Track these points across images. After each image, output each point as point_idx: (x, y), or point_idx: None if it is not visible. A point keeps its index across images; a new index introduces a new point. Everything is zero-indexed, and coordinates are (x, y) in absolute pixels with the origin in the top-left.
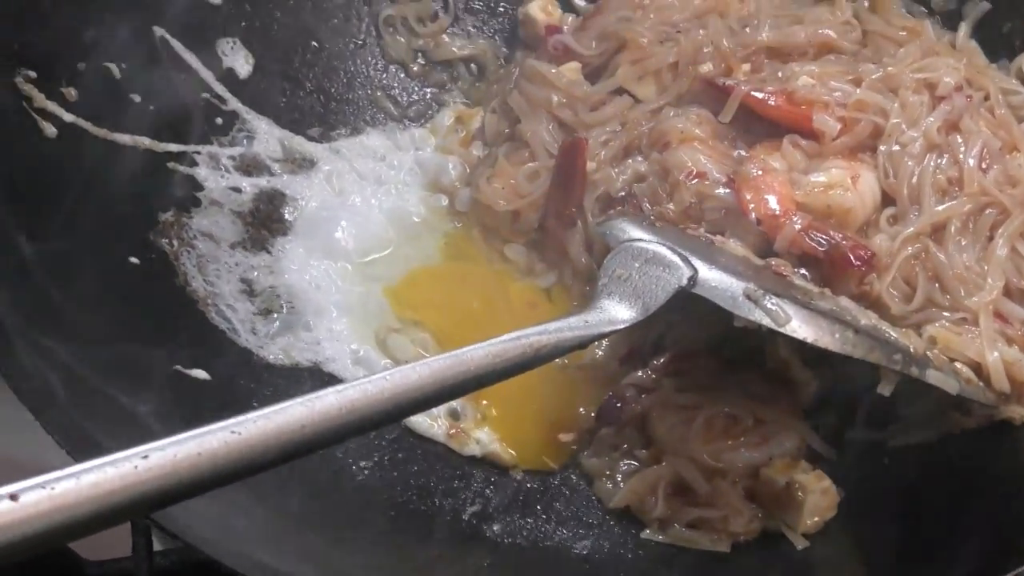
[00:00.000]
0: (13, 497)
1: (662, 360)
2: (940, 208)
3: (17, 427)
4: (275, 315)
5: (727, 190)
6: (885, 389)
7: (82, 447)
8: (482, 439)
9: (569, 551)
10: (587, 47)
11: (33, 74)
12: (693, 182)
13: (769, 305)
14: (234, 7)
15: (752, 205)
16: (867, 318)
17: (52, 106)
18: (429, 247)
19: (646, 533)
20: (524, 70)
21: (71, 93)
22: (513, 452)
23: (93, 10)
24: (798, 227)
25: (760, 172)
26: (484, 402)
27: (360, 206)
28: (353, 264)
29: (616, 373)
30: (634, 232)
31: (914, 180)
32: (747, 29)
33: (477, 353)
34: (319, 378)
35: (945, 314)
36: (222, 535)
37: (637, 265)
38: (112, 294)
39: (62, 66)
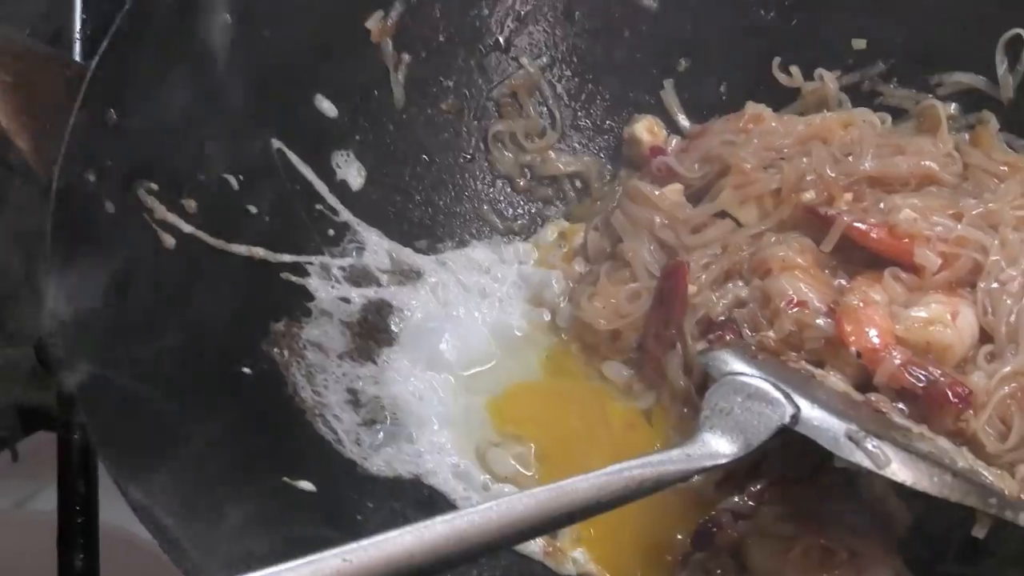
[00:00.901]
0: None
1: (759, 487)
2: None
3: None
4: (379, 426)
5: (828, 320)
6: (980, 532)
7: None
8: (578, 559)
9: None
10: (690, 169)
11: (155, 186)
12: (793, 310)
13: (870, 447)
14: (349, 120)
15: (852, 337)
16: (964, 460)
17: (172, 217)
18: (530, 362)
19: None
20: (627, 190)
21: (191, 204)
22: (608, 574)
23: (215, 123)
24: (898, 362)
25: (861, 304)
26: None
27: (464, 318)
28: (456, 376)
29: (712, 498)
30: (736, 365)
31: (1012, 318)
32: (850, 157)
33: (581, 485)
34: (420, 491)
35: None
36: None
37: (740, 399)
38: (225, 403)
39: (183, 177)
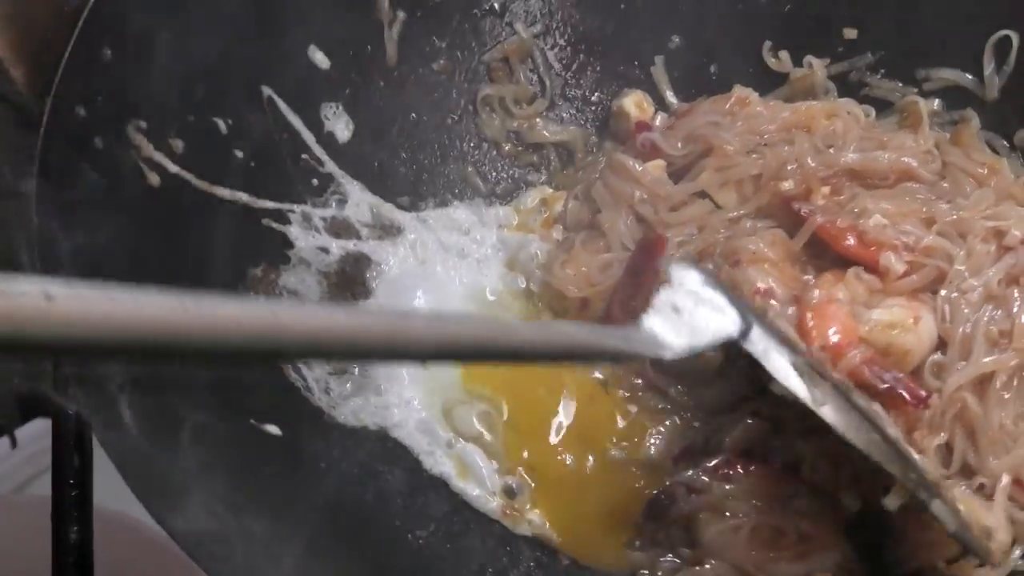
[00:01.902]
0: None
1: (715, 462)
2: (988, 360)
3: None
4: (348, 376)
5: (791, 310)
6: (892, 504)
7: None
8: (534, 520)
9: None
10: (673, 147)
11: (144, 124)
12: (758, 299)
13: (810, 382)
14: (341, 73)
15: (815, 332)
16: (895, 430)
17: (159, 156)
18: None
19: None
20: (610, 162)
21: (178, 145)
22: (562, 538)
23: (207, 67)
24: (858, 359)
25: (825, 300)
26: (533, 485)
27: (440, 277)
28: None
29: (670, 471)
30: (698, 275)
31: (968, 328)
32: (831, 149)
33: (521, 328)
34: (385, 442)
35: (964, 483)
36: None
37: (691, 304)
38: None
39: (172, 118)
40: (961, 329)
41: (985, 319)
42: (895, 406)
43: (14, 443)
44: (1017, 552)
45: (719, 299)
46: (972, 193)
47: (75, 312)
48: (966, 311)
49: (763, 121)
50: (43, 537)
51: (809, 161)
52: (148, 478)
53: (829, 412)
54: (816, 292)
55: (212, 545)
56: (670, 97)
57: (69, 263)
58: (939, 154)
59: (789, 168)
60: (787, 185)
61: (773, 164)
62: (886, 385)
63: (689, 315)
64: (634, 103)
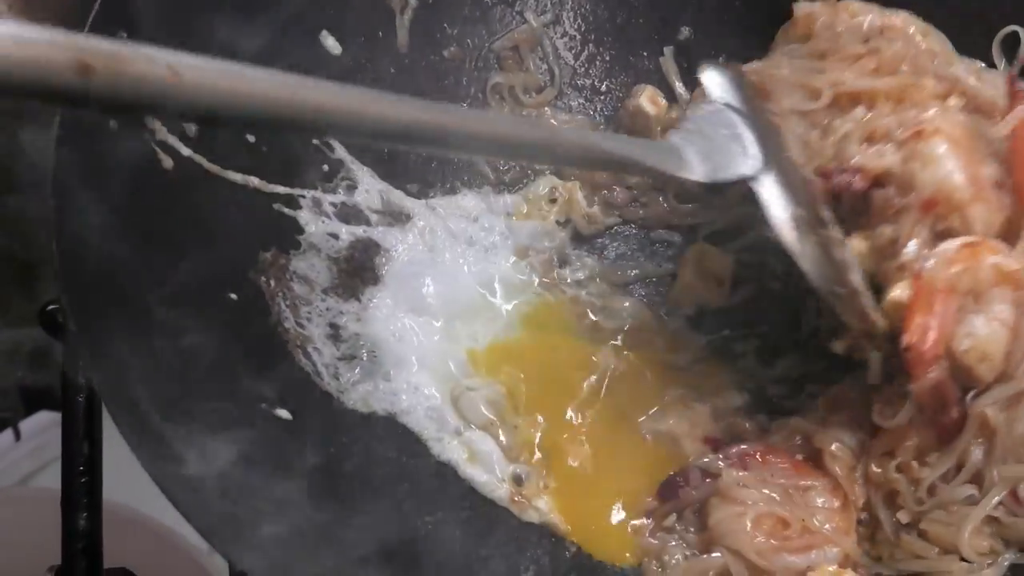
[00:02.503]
0: None
1: (736, 449)
2: None
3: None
4: (357, 362)
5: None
6: (839, 347)
7: (163, 466)
8: (541, 508)
9: None
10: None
11: None
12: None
13: (801, 235)
14: (353, 59)
15: (912, 334)
16: (859, 278)
17: (173, 140)
18: (512, 313)
19: None
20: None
21: (191, 129)
22: (570, 526)
23: (221, 51)
24: (931, 381)
25: (941, 287)
26: (543, 472)
27: (449, 264)
28: (437, 320)
29: (690, 451)
30: (734, 98)
31: None
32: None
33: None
34: (394, 428)
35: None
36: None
37: (724, 132)
38: (211, 327)
39: None
40: None
41: None
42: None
43: (18, 436)
44: (1009, 556)
45: (749, 137)
46: None
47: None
48: None
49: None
50: (47, 529)
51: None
52: (162, 460)
53: (807, 263)
54: (938, 270)
55: (224, 526)
56: (679, 88)
57: (86, 241)
58: None
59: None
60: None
61: (891, 59)
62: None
63: (718, 144)
64: (649, 99)
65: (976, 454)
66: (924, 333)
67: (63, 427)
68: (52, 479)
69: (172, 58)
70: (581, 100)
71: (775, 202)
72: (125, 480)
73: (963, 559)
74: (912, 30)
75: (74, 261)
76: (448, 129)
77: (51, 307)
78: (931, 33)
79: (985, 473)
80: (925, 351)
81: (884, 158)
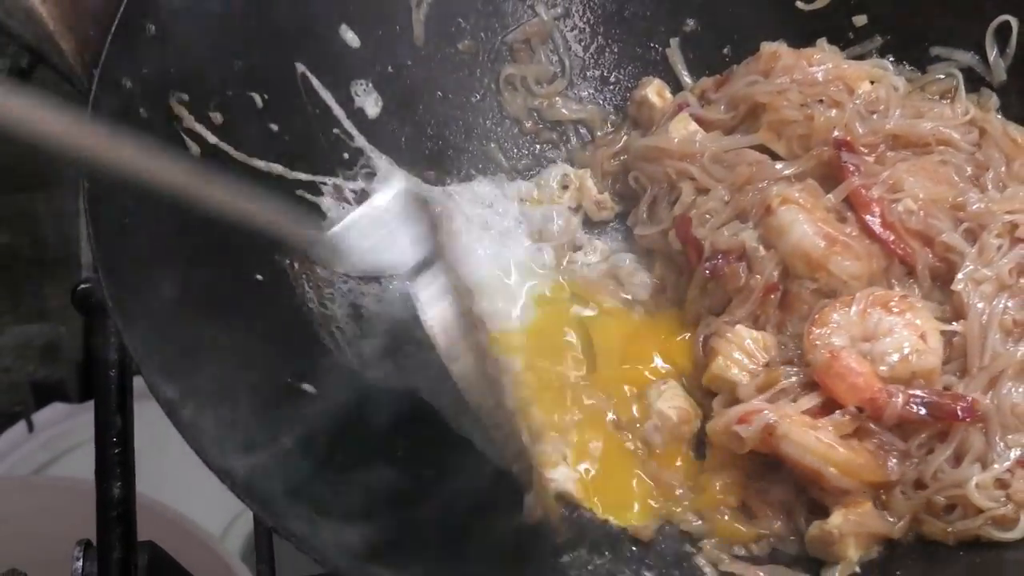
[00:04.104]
0: None
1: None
2: (1003, 350)
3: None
4: (379, 341)
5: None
6: None
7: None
8: (558, 478)
9: None
10: (718, 112)
11: (186, 96)
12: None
13: (454, 338)
14: (371, 52)
15: (846, 397)
16: (512, 403)
17: (199, 128)
18: (528, 294)
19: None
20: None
21: (217, 117)
22: (586, 494)
23: (246, 44)
24: (900, 402)
25: (830, 355)
26: (560, 445)
27: (464, 247)
28: (453, 303)
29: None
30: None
31: (984, 319)
32: (875, 116)
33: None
34: (415, 402)
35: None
36: None
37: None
38: (239, 305)
39: (213, 92)
40: (977, 322)
41: (999, 309)
42: (950, 425)
43: (31, 427)
44: None
45: (418, 229)
46: (1010, 188)
47: None
48: (979, 305)
49: (805, 74)
50: (60, 518)
51: (858, 127)
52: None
53: (457, 368)
54: (818, 353)
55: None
56: (686, 78)
57: (116, 227)
58: (975, 127)
59: (837, 134)
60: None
61: (823, 127)
62: (935, 411)
63: (380, 238)
64: (655, 91)
65: (976, 439)
66: (852, 389)
67: (96, 401)
68: (65, 469)
69: None
70: (591, 90)
71: (430, 302)
72: (140, 470)
73: None
74: (864, 87)
75: (108, 242)
76: None
77: (83, 286)
78: (886, 82)
79: (988, 454)
80: (871, 399)
81: (739, 235)
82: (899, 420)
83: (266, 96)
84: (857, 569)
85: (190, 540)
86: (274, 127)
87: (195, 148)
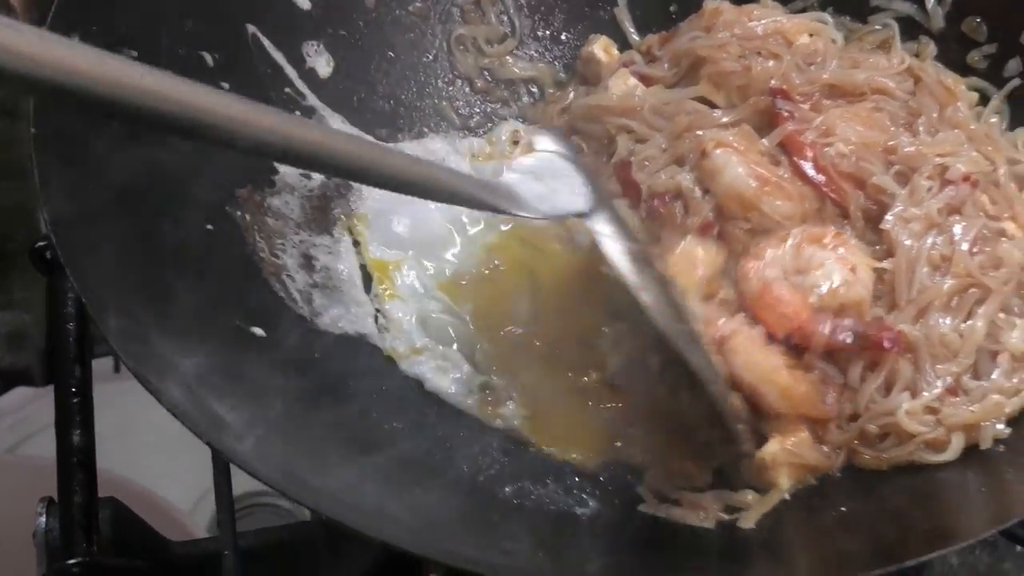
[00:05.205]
0: None
1: None
2: (931, 283)
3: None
4: (330, 290)
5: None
6: None
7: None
8: (506, 414)
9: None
10: (661, 70)
11: (135, 54)
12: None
13: (638, 269)
14: (322, 14)
15: (776, 326)
16: (699, 327)
17: None
18: (477, 245)
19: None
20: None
21: None
22: (534, 431)
23: (196, 3)
24: (827, 331)
25: (761, 286)
26: (506, 383)
27: (418, 203)
28: (407, 253)
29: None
30: (560, 147)
31: (912, 254)
32: (812, 67)
33: (398, 158)
34: (364, 346)
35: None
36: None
37: (554, 175)
38: (188, 254)
39: (162, 50)
40: (905, 257)
41: (928, 245)
42: (878, 356)
43: None
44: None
45: (577, 178)
46: (941, 132)
47: None
48: (907, 242)
49: (745, 29)
50: (31, 496)
51: (794, 77)
52: (148, 360)
53: (647, 296)
54: (750, 283)
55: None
56: (633, 36)
57: (62, 186)
58: (911, 76)
59: (773, 83)
60: (775, 82)
61: (760, 78)
62: (853, 341)
63: (548, 184)
64: (602, 48)
65: (906, 369)
66: (782, 318)
67: (55, 355)
68: (30, 451)
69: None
70: (540, 49)
71: (609, 237)
72: (105, 446)
73: None
74: (802, 40)
75: (59, 203)
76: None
77: (40, 244)
78: (824, 35)
79: (918, 383)
80: (800, 327)
81: (675, 178)
82: (827, 348)
83: (216, 56)
84: (787, 496)
85: (158, 516)
86: (225, 85)
87: None
